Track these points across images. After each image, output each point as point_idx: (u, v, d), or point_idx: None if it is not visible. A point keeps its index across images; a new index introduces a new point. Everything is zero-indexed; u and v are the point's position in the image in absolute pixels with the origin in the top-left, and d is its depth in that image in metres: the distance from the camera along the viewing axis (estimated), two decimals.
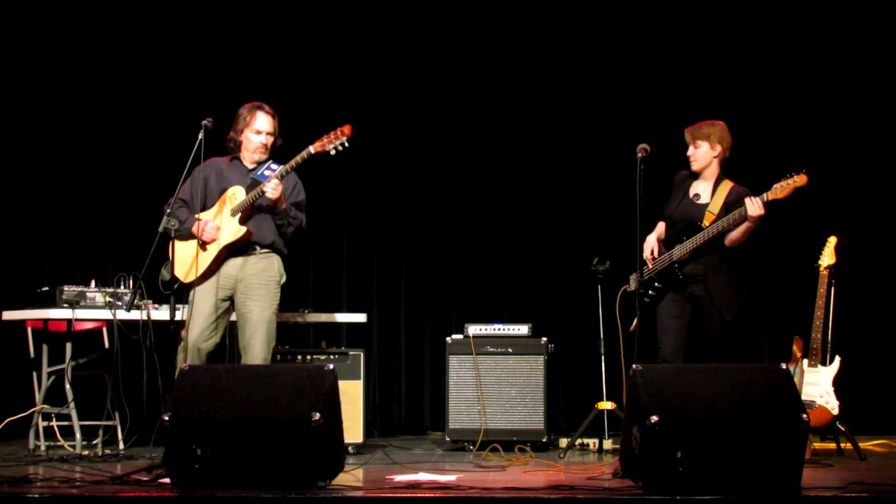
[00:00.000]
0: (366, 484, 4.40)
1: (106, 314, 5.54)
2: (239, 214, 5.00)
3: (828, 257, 5.61)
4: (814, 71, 7.21)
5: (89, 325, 6.00)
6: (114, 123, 7.15)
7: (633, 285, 5.44)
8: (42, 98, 7.09)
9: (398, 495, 3.95)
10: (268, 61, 7.29)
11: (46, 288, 5.77)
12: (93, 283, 5.69)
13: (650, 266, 5.25)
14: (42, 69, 7.08)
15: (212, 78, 7.10)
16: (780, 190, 4.90)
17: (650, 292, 5.24)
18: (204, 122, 4.94)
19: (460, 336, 6.14)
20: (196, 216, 5.05)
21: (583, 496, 3.87)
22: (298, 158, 4.97)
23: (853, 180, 7.16)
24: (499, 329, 6.13)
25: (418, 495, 3.94)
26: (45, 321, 5.69)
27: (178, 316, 5.10)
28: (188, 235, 5.02)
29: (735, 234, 5.06)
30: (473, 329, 6.12)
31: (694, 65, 7.23)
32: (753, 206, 4.92)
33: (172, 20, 7.18)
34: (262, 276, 5.08)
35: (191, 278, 5.01)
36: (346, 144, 4.93)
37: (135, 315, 5.07)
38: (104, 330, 6.21)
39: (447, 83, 7.42)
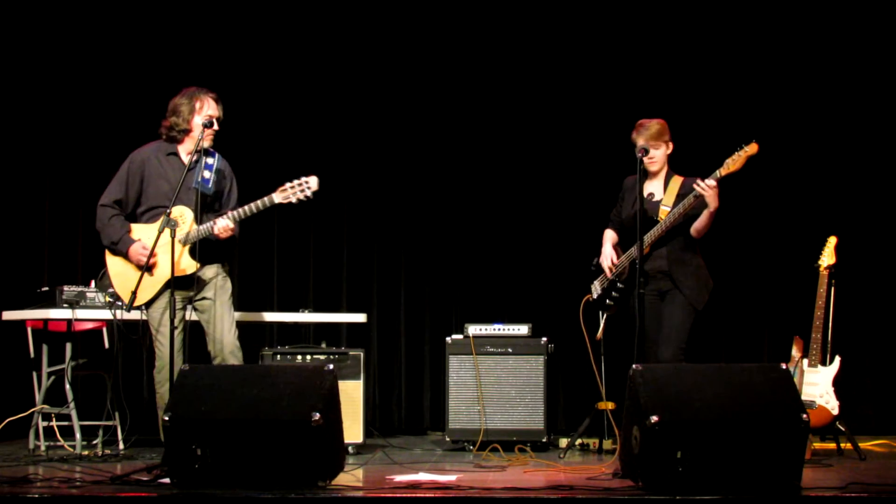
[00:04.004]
0: (366, 484, 4.40)
1: (106, 314, 5.53)
2: (189, 245, 4.84)
3: (828, 257, 5.61)
4: (815, 73, 7.21)
5: (89, 325, 5.99)
6: (113, 123, 7.14)
7: (595, 294, 5.48)
8: (42, 98, 7.09)
9: (398, 495, 3.95)
10: (266, 59, 7.29)
11: (46, 288, 5.77)
12: (93, 283, 5.69)
13: (609, 275, 5.31)
14: (42, 70, 7.07)
15: (210, 77, 7.07)
16: (733, 163, 4.91)
17: (613, 293, 5.28)
18: (203, 121, 4.93)
19: (460, 336, 6.13)
20: (131, 233, 4.91)
21: (583, 496, 3.87)
22: (259, 204, 4.82)
23: (853, 180, 7.16)
24: (499, 329, 6.13)
25: (418, 495, 3.94)
26: (45, 321, 5.69)
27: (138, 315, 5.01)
28: (125, 256, 4.90)
29: (699, 224, 5.08)
30: (473, 329, 6.12)
31: (693, 65, 7.23)
32: (704, 189, 4.93)
33: (169, 21, 7.17)
34: (210, 273, 4.98)
35: (139, 302, 4.87)
36: (311, 196, 4.79)
37: (135, 315, 5.05)
38: (104, 330, 6.20)
39: (447, 84, 7.40)
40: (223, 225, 4.83)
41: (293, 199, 4.82)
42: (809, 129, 7.19)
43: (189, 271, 4.85)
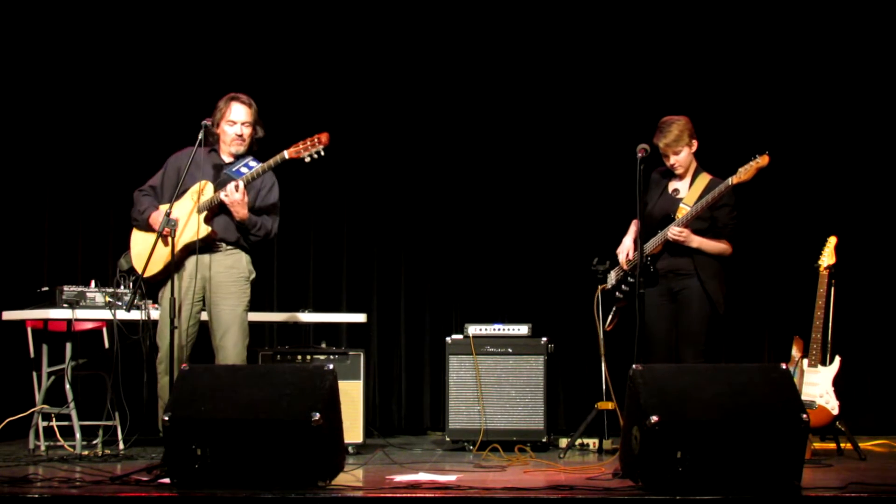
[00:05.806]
0: (366, 484, 4.40)
1: (106, 314, 5.53)
2: (205, 212, 4.83)
3: (828, 257, 5.61)
4: (816, 74, 7.21)
5: (89, 325, 6.00)
6: (113, 124, 7.15)
7: (610, 283, 5.50)
8: (42, 99, 7.09)
9: (398, 495, 3.95)
10: (264, 60, 7.28)
11: (46, 288, 5.77)
12: (93, 283, 5.69)
13: (625, 267, 5.33)
14: (42, 72, 7.07)
15: (210, 77, 7.08)
16: (745, 173, 4.96)
17: (623, 287, 5.31)
18: (204, 122, 4.91)
19: (460, 336, 6.14)
20: (157, 206, 4.91)
21: (583, 496, 3.87)
22: (271, 162, 4.81)
23: (853, 180, 7.16)
24: (499, 329, 6.13)
25: (418, 495, 3.93)
26: (45, 321, 5.69)
27: (150, 315, 5.02)
28: (146, 226, 4.89)
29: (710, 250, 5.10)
30: (473, 329, 6.12)
31: (694, 65, 7.23)
32: (676, 237, 5.03)
33: (168, 21, 7.17)
34: (230, 274, 4.93)
35: (149, 273, 4.82)
36: (323, 154, 4.77)
37: (135, 315, 5.04)
38: (104, 330, 6.21)
39: (447, 83, 7.41)
40: (231, 187, 4.77)
41: (305, 157, 4.78)
42: (810, 130, 7.19)
43: (197, 236, 4.79)
